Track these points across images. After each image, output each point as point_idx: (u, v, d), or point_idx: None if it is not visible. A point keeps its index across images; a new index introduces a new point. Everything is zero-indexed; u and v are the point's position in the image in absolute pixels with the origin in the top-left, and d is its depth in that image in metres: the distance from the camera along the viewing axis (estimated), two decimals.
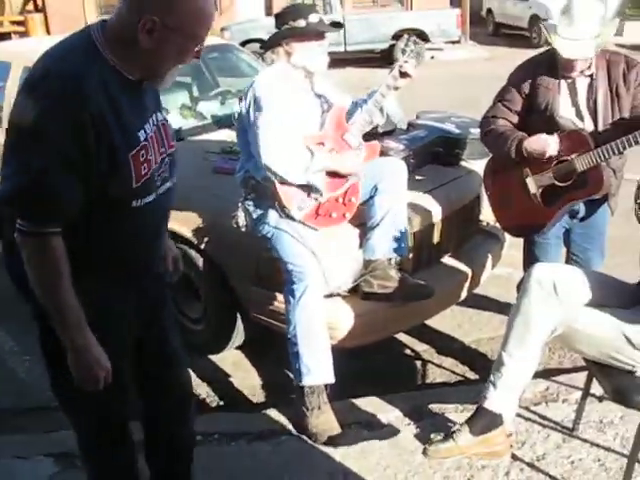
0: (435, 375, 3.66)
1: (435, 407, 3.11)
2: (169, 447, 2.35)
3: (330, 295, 3.17)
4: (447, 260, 3.71)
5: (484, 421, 2.55)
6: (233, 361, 3.78)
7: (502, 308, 4.20)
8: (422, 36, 13.30)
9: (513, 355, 2.53)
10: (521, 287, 2.59)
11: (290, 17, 2.94)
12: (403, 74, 2.92)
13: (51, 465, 2.82)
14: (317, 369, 2.94)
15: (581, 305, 2.53)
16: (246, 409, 3.33)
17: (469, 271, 3.67)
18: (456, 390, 3.37)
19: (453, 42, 16.02)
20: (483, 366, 3.70)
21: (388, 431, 2.96)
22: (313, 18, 2.92)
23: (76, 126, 1.67)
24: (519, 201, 3.28)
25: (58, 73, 1.71)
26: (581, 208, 3.31)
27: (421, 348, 3.88)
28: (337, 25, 3.17)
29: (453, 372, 3.68)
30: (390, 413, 3.08)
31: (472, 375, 3.66)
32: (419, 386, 3.58)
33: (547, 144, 3.03)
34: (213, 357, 3.81)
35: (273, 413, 3.12)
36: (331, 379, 2.97)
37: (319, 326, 2.94)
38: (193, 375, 3.62)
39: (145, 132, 1.85)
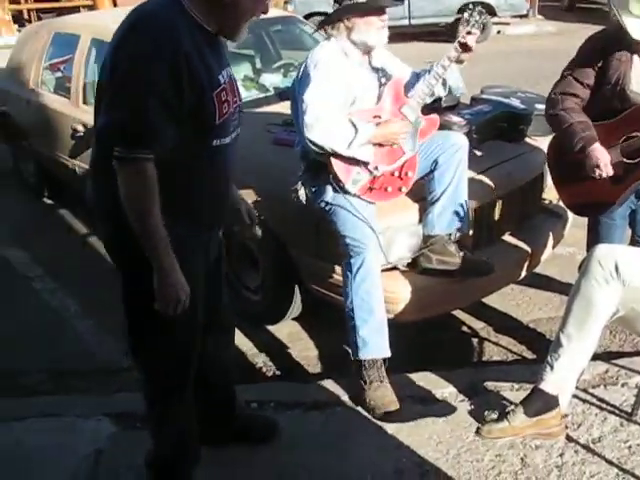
0: (492, 353, 3.63)
1: (490, 385, 3.10)
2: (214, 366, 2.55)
3: (389, 269, 3.17)
4: (508, 238, 3.66)
5: (539, 403, 2.52)
6: (289, 332, 3.82)
7: (563, 288, 4.15)
8: (489, 9, 13.01)
9: (572, 337, 2.49)
10: (582, 267, 2.54)
11: None
12: (464, 46, 2.86)
13: (111, 425, 2.91)
14: (375, 342, 2.95)
15: None
16: (302, 379, 3.36)
17: (530, 250, 3.62)
18: (512, 369, 3.33)
19: (521, 16, 15.61)
20: (541, 346, 3.64)
21: (442, 407, 2.96)
22: None
23: (172, 67, 1.86)
24: (584, 179, 3.20)
25: (152, 22, 1.91)
26: None
27: (478, 326, 3.85)
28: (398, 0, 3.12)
29: (510, 351, 3.64)
30: (445, 389, 3.07)
31: (529, 355, 3.62)
32: (475, 363, 3.56)
33: (600, 167, 3.00)
34: (270, 327, 3.86)
35: (329, 384, 3.15)
36: (387, 353, 2.98)
37: (377, 300, 2.95)
38: (250, 344, 3.73)
39: (223, 77, 2.05)
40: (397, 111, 2.99)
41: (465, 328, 3.85)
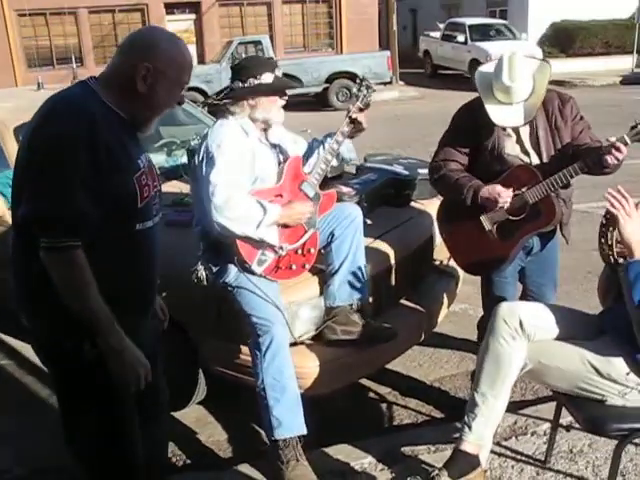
0: (402, 417, 3.65)
1: (407, 450, 3.10)
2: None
3: (295, 344, 3.15)
4: (405, 302, 3.73)
5: (462, 464, 2.54)
6: (196, 417, 3.69)
7: (459, 344, 4.28)
8: (354, 79, 13.51)
9: (486, 395, 2.54)
10: (488, 327, 2.62)
11: (255, 71, 2.96)
12: (355, 121, 2.95)
13: None
14: (289, 421, 2.90)
15: (548, 340, 2.58)
16: (215, 466, 3.23)
17: (427, 311, 3.70)
18: (425, 430, 3.36)
19: (385, 83, 16.34)
20: (448, 404, 3.73)
21: (363, 478, 2.93)
22: (277, 73, 2.95)
23: (91, 147, 1.87)
24: (475, 240, 3.32)
25: (70, 106, 1.94)
26: (535, 243, 3.38)
27: (385, 391, 3.87)
28: (298, 80, 3.19)
29: (419, 412, 3.67)
30: (363, 459, 3.05)
31: (438, 414, 3.66)
32: (388, 429, 3.56)
33: (500, 196, 3.11)
34: (175, 414, 3.72)
35: (245, 468, 3.05)
36: (303, 430, 2.94)
37: (288, 377, 2.91)
38: None
39: (142, 161, 2.08)
40: (297, 189, 3.04)
41: (372, 394, 3.86)
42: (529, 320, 2.53)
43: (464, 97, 3.61)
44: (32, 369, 4.15)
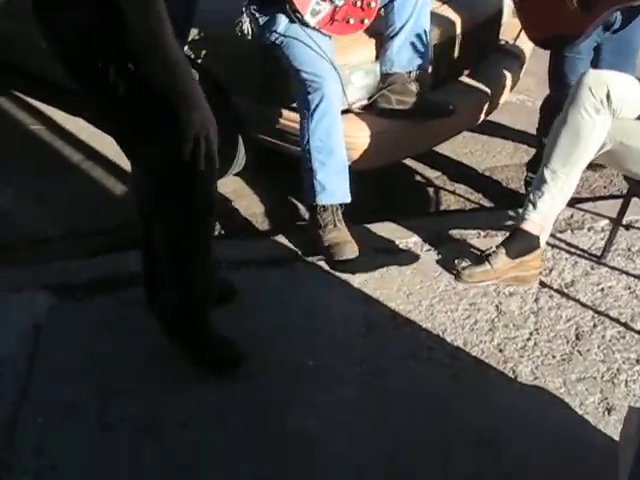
0: (449, 202, 3.44)
1: (455, 233, 2.92)
2: None
3: (344, 112, 2.87)
4: (466, 79, 3.39)
5: (522, 244, 2.34)
6: (234, 188, 3.51)
7: (515, 135, 3.98)
8: None
9: (557, 172, 2.28)
10: (569, 97, 2.30)
11: None
12: None
13: (48, 297, 2.59)
14: (333, 186, 2.72)
15: (633, 119, 2.28)
16: (251, 237, 3.09)
17: (488, 91, 3.37)
18: (476, 216, 3.16)
19: None
20: (499, 193, 3.51)
21: (408, 256, 2.77)
22: None
23: None
24: (552, 8, 2.92)
25: None
26: (617, 18, 2.97)
27: (433, 175, 3.64)
28: None
29: (468, 199, 3.45)
30: (409, 238, 2.88)
31: (487, 203, 3.45)
32: (434, 212, 3.37)
33: None
34: None
35: (283, 240, 2.90)
36: (347, 198, 2.76)
37: (336, 140, 2.68)
38: None
39: None
40: None
41: (419, 177, 3.63)
42: (617, 93, 2.21)
43: None
44: (63, 134, 3.95)
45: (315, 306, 2.51)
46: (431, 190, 3.54)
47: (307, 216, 2.89)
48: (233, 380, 2.21)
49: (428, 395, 2.17)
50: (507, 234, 2.51)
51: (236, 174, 3.49)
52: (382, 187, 3.43)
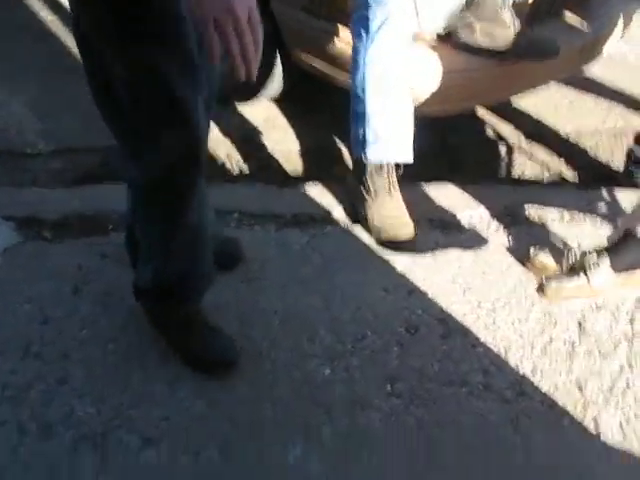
0: (523, 168, 2.80)
1: (531, 211, 2.29)
2: None
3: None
4: (569, 15, 2.69)
5: (635, 254, 1.72)
6: (266, 116, 2.89)
7: (611, 94, 3.27)
8: None
9: None
10: None
11: None
12: None
13: (10, 232, 2.05)
14: (391, 139, 2.09)
15: None
16: (278, 182, 2.48)
17: (593, 35, 2.67)
18: (556, 192, 2.51)
19: None
20: (585, 164, 2.86)
21: (471, 236, 2.16)
22: None
23: None
24: None
25: None
26: None
27: (507, 131, 2.97)
28: None
29: (547, 167, 2.81)
30: (473, 211, 2.26)
31: (570, 173, 2.81)
32: (504, 179, 2.73)
33: None
34: (241, 109, 2.93)
35: (315, 191, 2.30)
36: (408, 157, 2.13)
37: (399, 77, 2.04)
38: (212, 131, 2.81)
39: None
40: None
41: (490, 133, 2.97)
42: None
43: None
44: None
45: (340, 294, 1.91)
46: (503, 150, 2.88)
47: (352, 170, 2.27)
48: (221, 387, 1.65)
49: (477, 446, 1.58)
50: (598, 222, 1.90)
51: (273, 100, 2.89)
52: (444, 141, 2.78)
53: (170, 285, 1.58)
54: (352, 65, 2.08)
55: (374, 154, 2.10)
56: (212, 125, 2.73)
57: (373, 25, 1.96)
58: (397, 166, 2.15)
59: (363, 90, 2.04)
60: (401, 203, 2.13)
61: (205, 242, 1.55)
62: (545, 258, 1.98)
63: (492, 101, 2.69)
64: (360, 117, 2.08)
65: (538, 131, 3.00)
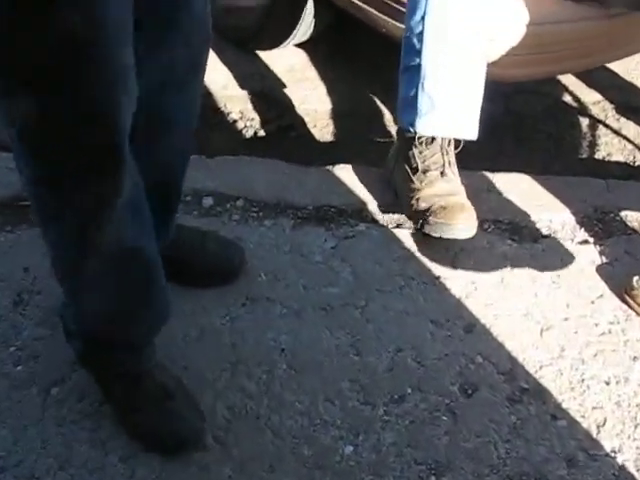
0: (610, 148, 2.23)
1: (632, 216, 1.73)
2: None
3: None
4: None
5: None
6: (290, 66, 2.34)
7: None
8: None
9: None
10: None
11: None
12: None
13: None
14: (451, 108, 1.55)
15: None
16: (300, 159, 1.93)
17: None
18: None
19: None
20: None
21: (550, 250, 1.61)
22: None
23: None
24: None
25: None
26: None
27: (590, 100, 2.39)
28: None
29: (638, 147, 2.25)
30: (554, 214, 1.71)
31: None
32: (588, 160, 2.17)
33: None
34: (262, 55, 2.38)
35: (346, 173, 1.76)
36: (473, 133, 1.59)
37: (472, 25, 1.48)
38: (226, 79, 2.28)
39: None
40: None
41: (569, 100, 2.39)
42: None
43: None
44: None
45: (375, 329, 1.40)
46: (585, 123, 2.31)
47: (395, 142, 1.73)
48: (199, 469, 1.17)
49: None
50: None
51: (299, 44, 2.34)
52: (507, 106, 2.23)
53: (93, 328, 1.09)
54: (409, 3, 1.52)
55: (427, 125, 1.56)
56: (225, 75, 2.23)
57: None
58: (456, 141, 1.62)
59: (420, 38, 1.49)
60: (460, 186, 1.60)
61: (138, 275, 1.06)
62: None
63: (590, 66, 2.10)
64: (412, 75, 1.54)
65: (628, 101, 2.42)
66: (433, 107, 1.56)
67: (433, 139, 1.60)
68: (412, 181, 1.62)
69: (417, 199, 1.57)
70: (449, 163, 1.62)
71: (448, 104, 1.54)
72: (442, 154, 1.61)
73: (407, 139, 1.63)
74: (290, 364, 1.32)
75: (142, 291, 1.10)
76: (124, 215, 0.98)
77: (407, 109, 1.60)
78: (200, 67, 1.15)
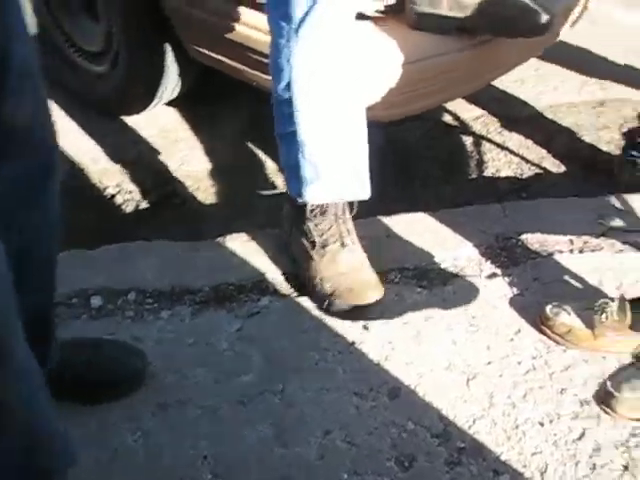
0: (498, 164, 2.24)
1: (531, 238, 1.72)
2: None
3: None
4: None
5: None
6: (162, 125, 2.23)
7: (584, 60, 2.72)
8: None
9: None
10: None
11: None
12: None
13: None
14: (338, 172, 1.48)
15: None
16: (187, 223, 1.83)
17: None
18: (557, 206, 1.88)
19: None
20: (569, 149, 2.32)
21: (460, 290, 1.57)
22: None
23: None
24: None
25: None
26: None
27: (470, 116, 2.39)
28: None
29: (525, 160, 2.26)
30: (456, 251, 1.67)
31: (553, 166, 2.26)
32: (478, 181, 2.15)
33: None
34: (131, 119, 2.26)
35: (235, 243, 1.66)
36: (365, 192, 1.53)
37: (343, 79, 1.41)
38: (90, 149, 2.15)
39: None
40: None
41: (449, 120, 2.39)
42: None
43: None
44: None
45: (298, 415, 1.30)
46: (469, 142, 2.30)
47: (285, 209, 1.64)
48: None
49: None
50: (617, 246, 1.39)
51: (170, 103, 2.24)
52: (392, 143, 2.19)
53: None
54: (272, 70, 1.43)
55: (315, 194, 1.49)
56: (94, 147, 2.10)
57: (297, 11, 1.31)
58: (350, 205, 1.55)
59: (290, 104, 1.41)
60: (364, 257, 1.53)
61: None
62: (568, 319, 1.43)
63: (464, 93, 2.09)
64: (290, 142, 1.45)
65: (507, 110, 2.44)
66: (318, 175, 1.47)
67: (326, 208, 1.53)
68: (311, 257, 1.53)
69: (320, 279, 1.49)
70: (347, 231, 1.54)
71: (333, 169, 1.46)
72: (338, 224, 1.53)
73: (298, 206, 1.55)
74: (215, 472, 1.22)
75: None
76: None
77: (292, 178, 1.52)
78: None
